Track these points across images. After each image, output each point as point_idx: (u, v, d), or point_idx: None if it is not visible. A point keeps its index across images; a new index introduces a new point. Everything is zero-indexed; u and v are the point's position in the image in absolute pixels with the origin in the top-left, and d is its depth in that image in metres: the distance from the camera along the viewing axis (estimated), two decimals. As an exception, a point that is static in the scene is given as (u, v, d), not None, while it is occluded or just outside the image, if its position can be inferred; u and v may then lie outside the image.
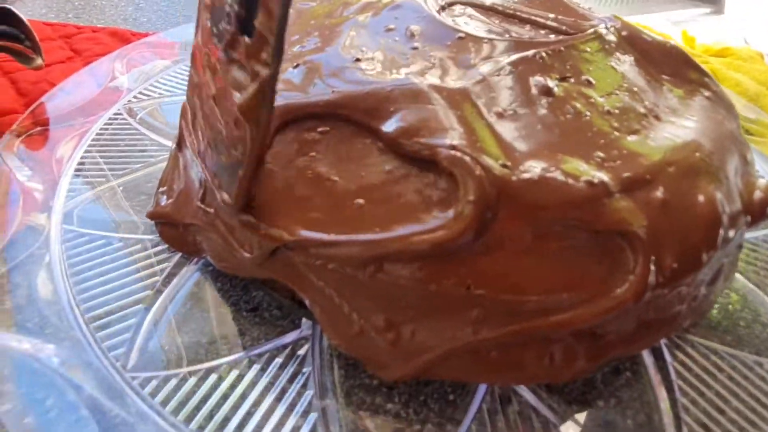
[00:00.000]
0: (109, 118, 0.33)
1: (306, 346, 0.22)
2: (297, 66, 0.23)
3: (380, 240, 0.18)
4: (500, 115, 0.20)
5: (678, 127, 0.21)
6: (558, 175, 0.18)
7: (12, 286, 0.23)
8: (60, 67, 0.38)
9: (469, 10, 0.26)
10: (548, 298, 0.18)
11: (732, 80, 0.43)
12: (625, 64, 0.24)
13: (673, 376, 0.22)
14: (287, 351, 0.22)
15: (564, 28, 0.25)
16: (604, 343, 0.19)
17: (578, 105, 0.21)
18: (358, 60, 0.23)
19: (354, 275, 0.19)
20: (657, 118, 0.21)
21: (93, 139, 0.31)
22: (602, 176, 0.18)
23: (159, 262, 0.24)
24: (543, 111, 0.20)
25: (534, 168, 0.18)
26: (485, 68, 0.22)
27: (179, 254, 0.25)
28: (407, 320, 0.19)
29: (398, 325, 0.19)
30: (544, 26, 0.25)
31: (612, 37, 0.25)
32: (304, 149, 0.21)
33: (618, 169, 0.19)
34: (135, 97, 0.35)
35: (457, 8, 0.26)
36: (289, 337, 0.22)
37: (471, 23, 0.25)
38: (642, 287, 0.18)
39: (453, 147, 0.18)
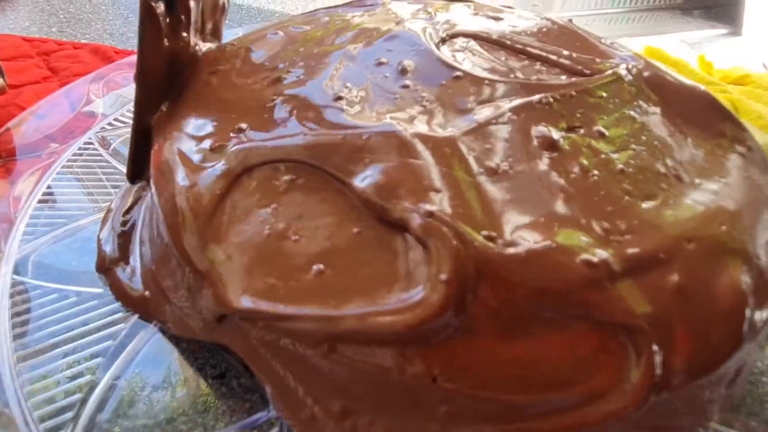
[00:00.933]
0: (79, 148, 0.30)
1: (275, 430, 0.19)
2: (273, 101, 0.21)
3: (334, 317, 0.16)
4: (493, 172, 0.17)
5: (703, 191, 0.18)
6: (551, 251, 0.15)
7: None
8: (33, 88, 0.35)
9: (473, 44, 0.23)
10: (530, 398, 0.15)
11: (754, 113, 0.41)
12: (646, 112, 0.21)
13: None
14: (253, 437, 0.19)
15: (579, 67, 0.22)
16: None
17: (586, 162, 0.18)
18: (339, 98, 0.20)
19: (306, 354, 0.16)
20: (679, 178, 0.19)
21: (58, 173, 0.28)
22: (604, 254, 0.15)
23: (115, 322, 0.22)
24: (543, 168, 0.18)
25: (523, 241, 0.15)
26: (482, 114, 0.19)
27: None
28: (365, 409, 0.17)
29: (355, 414, 0.17)
30: (555, 64, 0.22)
31: (632, 80, 0.22)
32: (265, 200, 0.18)
33: (625, 245, 0.16)
34: (109, 124, 0.32)
35: (459, 41, 0.24)
36: (258, 416, 0.20)
37: (472, 59, 0.22)
38: (643, 393, 0.15)
39: (430, 214, 0.16)
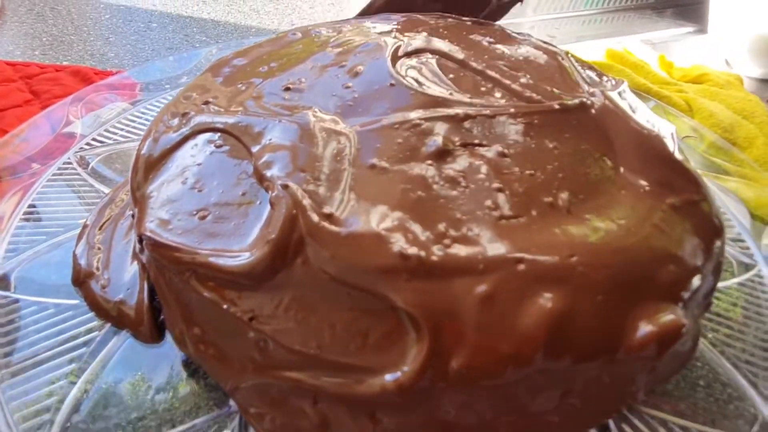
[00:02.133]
0: (59, 168, 0.32)
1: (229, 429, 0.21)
2: (239, 85, 0.25)
3: (195, 251, 0.19)
4: (371, 167, 0.19)
5: (584, 226, 0.18)
6: (370, 236, 0.17)
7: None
8: (16, 111, 0.37)
9: (431, 61, 0.25)
10: (321, 356, 0.18)
11: (706, 111, 0.42)
12: (575, 146, 0.21)
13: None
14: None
15: (530, 94, 0.23)
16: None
17: (464, 174, 0.19)
18: (287, 89, 0.24)
19: (177, 282, 0.20)
20: (568, 212, 0.19)
21: (38, 192, 0.30)
22: (418, 251, 0.17)
23: (89, 331, 0.23)
24: (418, 172, 0.19)
25: (354, 223, 0.18)
26: (389, 118, 0.21)
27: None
28: (210, 335, 0.21)
29: (205, 340, 0.20)
30: (507, 89, 0.23)
31: (581, 113, 0.22)
32: (195, 158, 0.22)
33: (449, 249, 0.17)
34: (88, 144, 0.34)
35: (422, 56, 0.25)
36: (215, 414, 0.21)
37: (419, 73, 0.24)
38: (414, 380, 0.16)
39: (285, 186, 0.18)
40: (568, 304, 0.17)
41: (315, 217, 0.18)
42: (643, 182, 0.21)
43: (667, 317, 0.18)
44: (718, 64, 0.59)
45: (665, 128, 0.24)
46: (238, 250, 0.18)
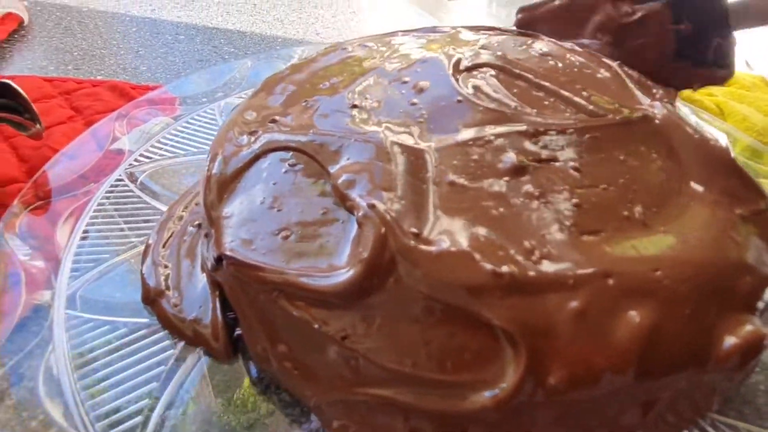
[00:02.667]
0: (111, 185, 0.32)
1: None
2: (306, 102, 0.26)
3: (282, 271, 0.19)
4: (450, 184, 0.20)
5: (662, 238, 0.19)
6: (461, 255, 0.17)
7: (15, 379, 0.22)
8: (61, 128, 0.38)
9: (490, 74, 0.26)
10: (417, 374, 0.18)
11: (738, 115, 0.43)
12: (643, 158, 0.22)
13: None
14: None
15: (591, 108, 0.23)
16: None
17: (542, 190, 0.20)
18: (354, 106, 0.24)
19: (263, 299, 0.20)
20: (644, 224, 0.20)
21: (95, 210, 0.30)
22: (510, 268, 0.17)
23: (164, 349, 0.24)
24: (498, 189, 0.20)
25: (443, 242, 0.18)
26: (464, 135, 0.22)
27: (185, 339, 0.24)
28: (298, 352, 0.21)
29: (292, 357, 0.21)
30: (569, 102, 0.24)
31: (645, 125, 0.23)
32: (270, 177, 0.22)
33: (538, 265, 0.17)
34: (136, 160, 0.34)
35: (482, 71, 0.26)
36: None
37: (483, 89, 0.25)
38: (513, 394, 0.17)
39: (372, 206, 0.19)
40: (658, 317, 0.17)
41: (405, 237, 0.18)
42: (710, 192, 0.21)
43: (749, 328, 0.18)
44: (739, 65, 0.60)
45: (721, 137, 0.25)
46: (329, 269, 0.19)
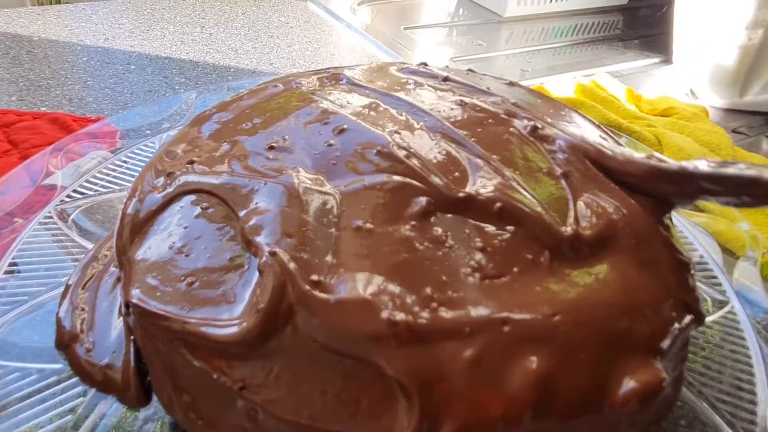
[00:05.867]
0: (39, 223, 0.32)
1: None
2: (223, 143, 0.25)
3: (183, 319, 0.19)
4: (357, 230, 0.20)
5: (565, 284, 0.19)
6: (359, 303, 0.17)
7: None
8: (-6, 163, 0.37)
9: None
10: (314, 425, 0.17)
11: (675, 146, 0.44)
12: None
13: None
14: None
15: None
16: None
17: (449, 234, 0.20)
18: (271, 147, 0.24)
19: (165, 349, 0.20)
20: (549, 269, 0.19)
21: (19, 250, 0.30)
22: (406, 316, 0.17)
23: (77, 395, 0.23)
24: (403, 234, 0.19)
25: (342, 290, 0.18)
26: (373, 179, 0.22)
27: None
28: (201, 401, 0.20)
29: (196, 407, 0.20)
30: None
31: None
32: (182, 220, 0.22)
33: (438, 312, 0.17)
34: (68, 196, 0.34)
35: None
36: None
37: (401, 134, 0.25)
38: None
39: (273, 254, 0.18)
40: (553, 364, 0.17)
41: (304, 285, 0.18)
42: None
43: (648, 372, 0.18)
44: (683, 94, 0.62)
45: None
46: (228, 318, 0.18)
